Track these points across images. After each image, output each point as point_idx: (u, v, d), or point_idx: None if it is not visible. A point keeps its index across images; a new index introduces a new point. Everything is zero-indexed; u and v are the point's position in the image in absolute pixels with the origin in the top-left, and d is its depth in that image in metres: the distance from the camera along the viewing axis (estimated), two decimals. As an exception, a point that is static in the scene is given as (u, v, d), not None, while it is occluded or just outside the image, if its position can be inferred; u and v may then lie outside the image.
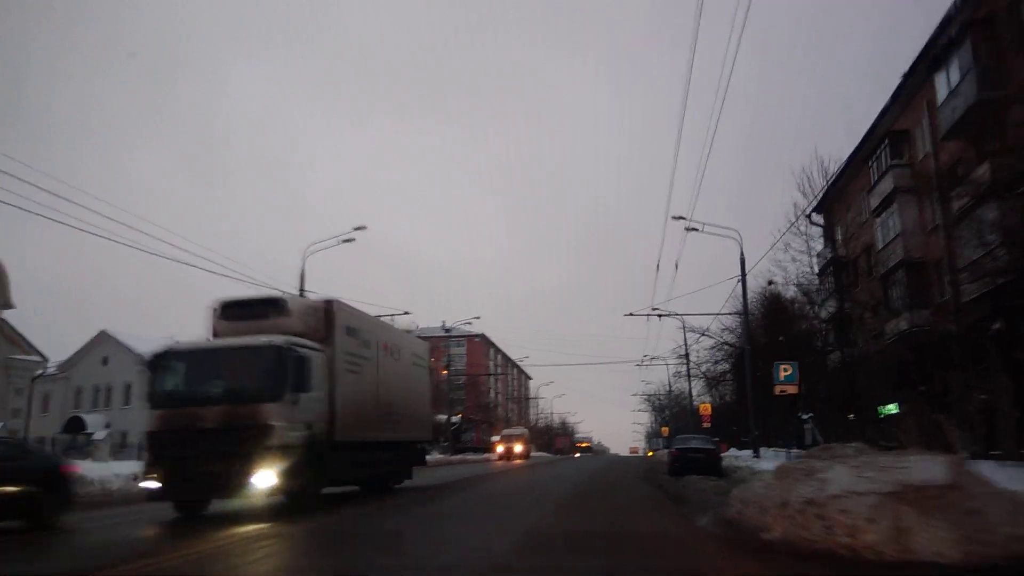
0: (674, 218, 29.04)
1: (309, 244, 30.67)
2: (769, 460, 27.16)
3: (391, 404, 14.32)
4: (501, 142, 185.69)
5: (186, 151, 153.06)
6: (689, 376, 51.87)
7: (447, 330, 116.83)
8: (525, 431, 62.27)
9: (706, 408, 54.72)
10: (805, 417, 33.82)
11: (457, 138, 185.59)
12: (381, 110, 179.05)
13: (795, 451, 32.81)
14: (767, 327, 43.90)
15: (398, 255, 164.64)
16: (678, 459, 24.12)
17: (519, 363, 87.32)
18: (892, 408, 31.27)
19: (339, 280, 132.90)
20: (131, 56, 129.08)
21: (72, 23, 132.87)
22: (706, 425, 53.93)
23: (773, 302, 44.92)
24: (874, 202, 30.75)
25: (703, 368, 47.73)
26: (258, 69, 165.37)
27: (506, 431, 57.70)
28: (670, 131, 40.00)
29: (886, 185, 29.37)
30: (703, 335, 42.34)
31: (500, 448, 50.59)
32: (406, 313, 35.53)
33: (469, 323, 52.64)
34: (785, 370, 23.02)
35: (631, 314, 30.89)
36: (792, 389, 23.09)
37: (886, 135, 29.56)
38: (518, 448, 49.40)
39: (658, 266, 34.16)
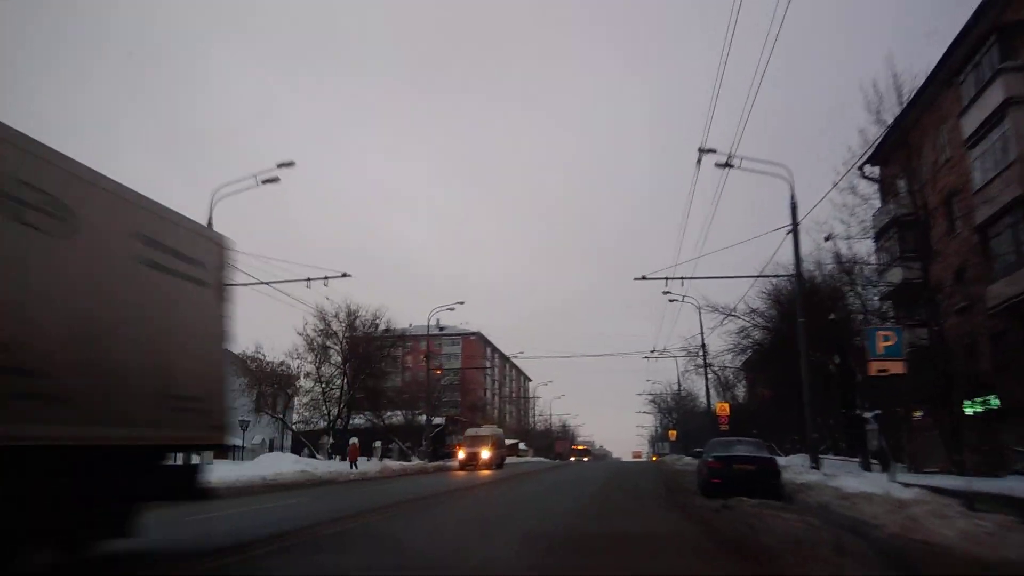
0: (702, 151, 20.67)
1: (219, 186, 22.35)
2: (842, 473, 18.53)
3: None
4: (505, 141, 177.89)
5: (176, 147, 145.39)
6: (706, 367, 43.08)
7: (441, 328, 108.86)
8: (497, 431, 47.15)
9: (724, 408, 46.18)
10: (868, 416, 25.18)
11: (458, 137, 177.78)
12: (377, 107, 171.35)
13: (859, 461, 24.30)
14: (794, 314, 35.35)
15: (393, 251, 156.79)
16: (719, 473, 15.62)
17: (513, 359, 78.27)
18: (993, 401, 22.74)
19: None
20: (129, 55, 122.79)
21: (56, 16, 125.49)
22: (723, 427, 45.42)
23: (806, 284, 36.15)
24: (969, 126, 22.27)
25: (723, 360, 38.73)
26: (253, 70, 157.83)
27: (470, 431, 43.11)
28: (679, 127, 31.68)
29: (992, 98, 20.90)
30: (729, 316, 33.51)
31: (461, 453, 37.88)
32: (345, 275, 26.57)
33: (452, 308, 43.93)
34: (886, 339, 14.48)
35: (643, 277, 22.32)
36: (897, 367, 14.54)
37: (992, 31, 21.04)
38: (485, 454, 37.00)
39: (689, 208, 25.57)
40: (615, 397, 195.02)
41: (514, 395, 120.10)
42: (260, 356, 36.82)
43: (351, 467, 31.04)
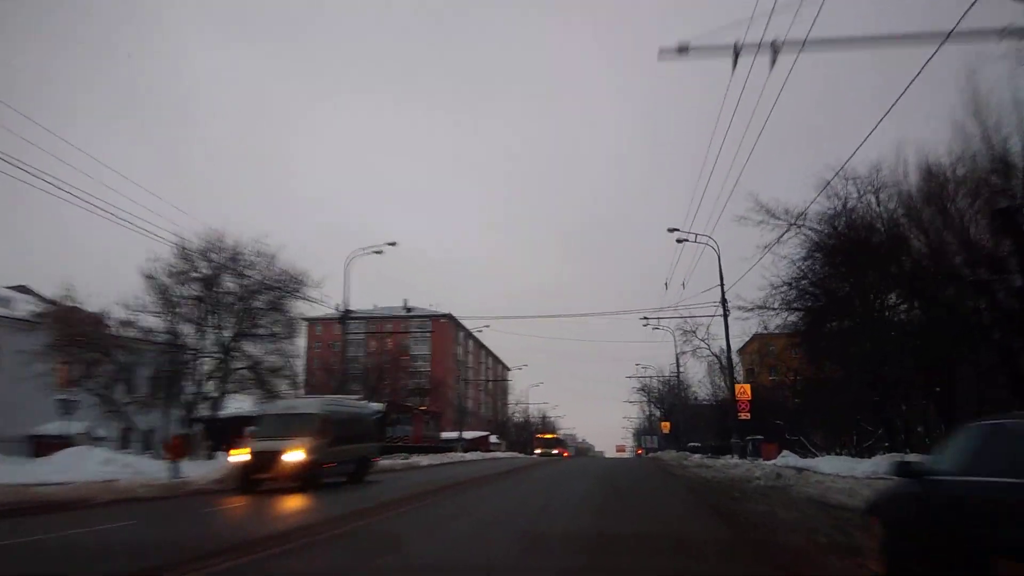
0: None
1: None
2: None
3: None
4: (489, 128, 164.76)
5: (167, 140, 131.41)
6: (727, 324, 30.34)
7: (408, 309, 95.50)
8: (334, 409, 19.11)
9: (744, 391, 33.44)
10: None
11: (442, 124, 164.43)
12: (368, 96, 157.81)
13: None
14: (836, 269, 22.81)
15: (378, 241, 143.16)
16: None
17: (477, 332, 65.08)
18: None
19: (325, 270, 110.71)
20: (129, 57, 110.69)
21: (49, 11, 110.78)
22: (744, 417, 32.80)
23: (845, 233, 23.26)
24: None
25: (767, 308, 25.63)
26: (238, 53, 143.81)
27: (270, 408, 20.48)
28: (672, 117, 18.85)
29: None
30: (793, 226, 20.69)
31: (241, 455, 16.30)
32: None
33: (379, 251, 30.78)
34: None
35: (683, 50, 9.35)
36: None
37: None
38: (294, 455, 15.84)
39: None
40: (601, 388, 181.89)
41: (489, 383, 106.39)
42: (71, 302, 23.74)
43: (171, 471, 18.05)
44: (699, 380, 61.70)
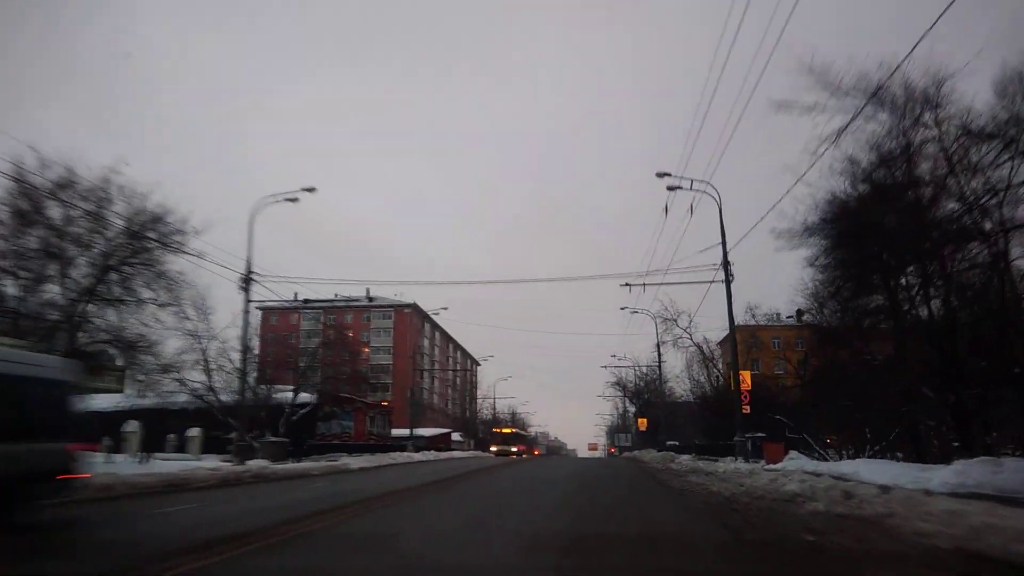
0: None
1: None
2: None
3: None
4: (489, 126, 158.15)
5: (115, 117, 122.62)
6: (728, 283, 24.03)
7: (371, 299, 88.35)
8: None
9: (746, 379, 27.21)
10: None
11: (442, 122, 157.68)
12: (339, 73, 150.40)
13: None
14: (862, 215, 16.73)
15: (346, 225, 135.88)
16: None
17: (434, 314, 58.09)
18: None
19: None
20: (127, 56, 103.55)
21: None
22: (745, 411, 26.58)
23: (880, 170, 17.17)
24: None
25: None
26: (206, 34, 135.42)
27: None
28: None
29: None
30: (870, 103, 14.20)
31: None
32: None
33: (294, 199, 23.98)
34: None
35: None
36: None
37: None
38: None
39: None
40: (574, 386, 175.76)
41: (456, 377, 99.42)
42: None
43: None
44: (676, 375, 55.88)
